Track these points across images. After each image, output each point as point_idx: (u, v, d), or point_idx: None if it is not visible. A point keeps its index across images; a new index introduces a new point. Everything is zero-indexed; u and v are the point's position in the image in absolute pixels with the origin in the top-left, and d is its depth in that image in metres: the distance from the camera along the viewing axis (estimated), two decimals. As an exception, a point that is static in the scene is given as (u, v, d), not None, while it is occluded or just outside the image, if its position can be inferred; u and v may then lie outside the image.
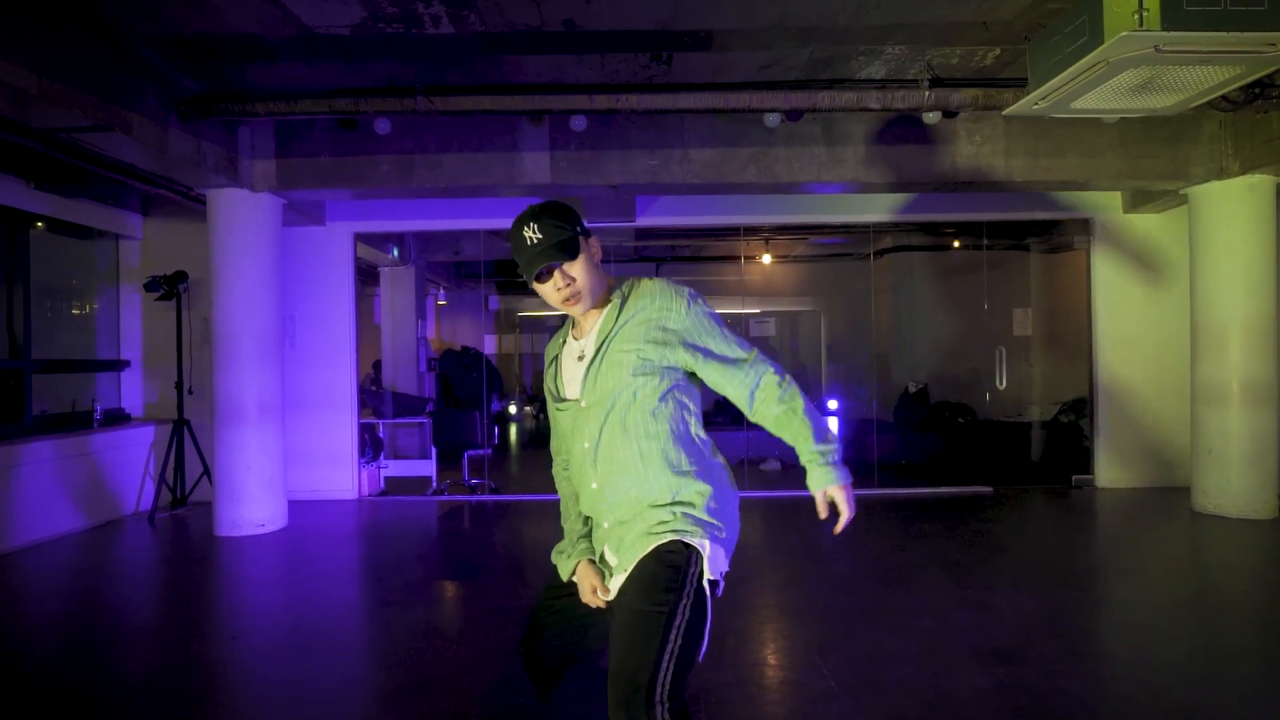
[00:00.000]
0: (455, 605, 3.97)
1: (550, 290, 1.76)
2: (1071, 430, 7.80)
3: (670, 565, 1.63)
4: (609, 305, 1.78)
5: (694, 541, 1.66)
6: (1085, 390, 6.98)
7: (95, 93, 3.89)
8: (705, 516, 1.69)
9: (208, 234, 5.49)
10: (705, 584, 1.64)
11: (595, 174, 5.37)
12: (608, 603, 1.77)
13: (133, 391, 6.83)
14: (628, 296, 1.76)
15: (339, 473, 6.70)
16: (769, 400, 1.74)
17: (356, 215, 6.74)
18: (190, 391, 6.31)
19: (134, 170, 5.16)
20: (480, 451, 7.37)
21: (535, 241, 1.70)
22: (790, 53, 4.46)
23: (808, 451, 1.72)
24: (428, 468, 7.24)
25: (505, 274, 11.33)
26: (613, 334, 1.74)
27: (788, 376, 1.76)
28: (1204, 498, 5.65)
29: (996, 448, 8.08)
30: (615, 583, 1.74)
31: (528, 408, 14.06)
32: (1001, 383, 7.31)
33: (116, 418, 6.44)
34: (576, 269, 1.74)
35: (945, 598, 3.80)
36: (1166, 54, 3.49)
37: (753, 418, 1.80)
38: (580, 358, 1.80)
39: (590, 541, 1.86)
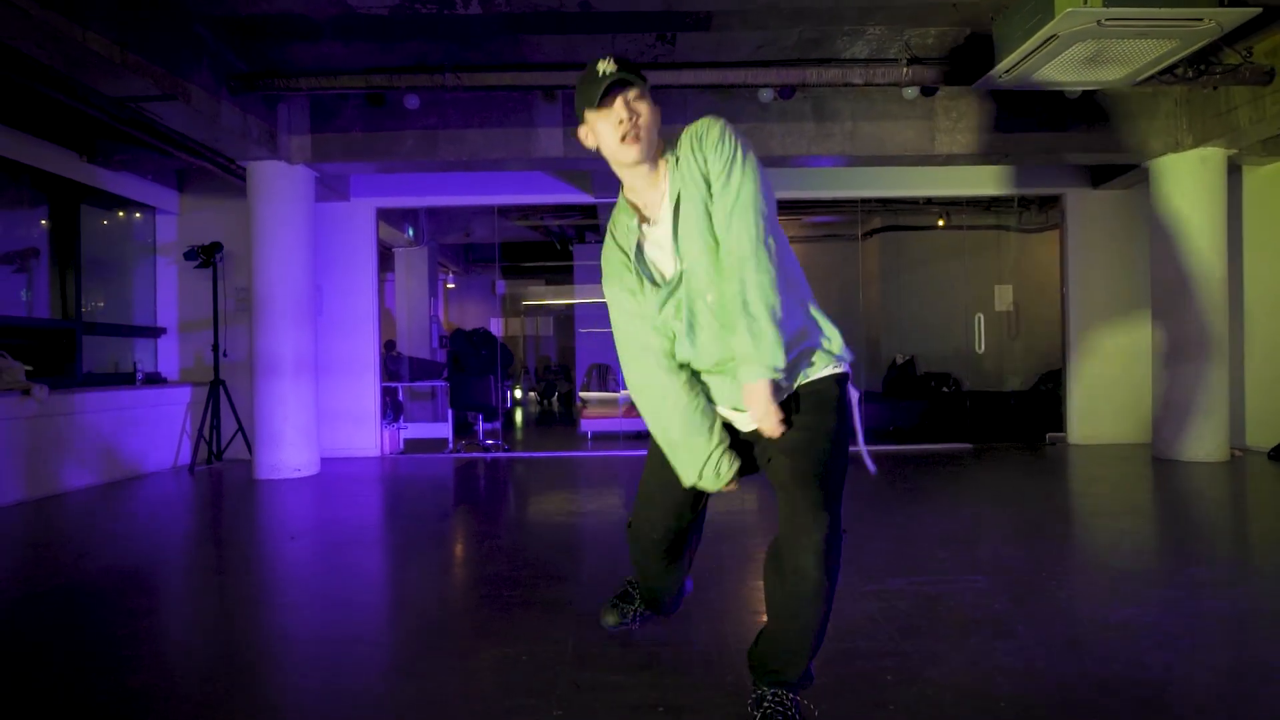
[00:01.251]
0: (479, 519, 4.45)
1: (610, 125, 1.66)
2: (1050, 398, 8.30)
3: (838, 394, 1.76)
4: (667, 167, 1.71)
5: (842, 372, 1.78)
6: (1060, 355, 7.48)
7: (164, 64, 4.37)
8: (842, 353, 1.79)
9: (248, 202, 5.98)
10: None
11: (604, 147, 5.85)
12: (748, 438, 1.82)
13: (169, 356, 7.31)
14: (679, 148, 1.70)
15: (363, 432, 7.17)
16: (732, 272, 1.64)
17: (378, 191, 7.21)
18: (225, 355, 6.79)
19: (182, 142, 5.64)
20: (492, 424, 7.86)
21: (609, 71, 1.64)
22: (782, 33, 4.96)
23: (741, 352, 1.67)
24: (444, 430, 7.72)
25: (513, 258, 11.82)
26: (681, 189, 1.68)
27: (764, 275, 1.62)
28: (1163, 445, 6.15)
29: (979, 413, 8.58)
30: (745, 419, 1.78)
31: (532, 392, 14.51)
32: (980, 347, 7.80)
33: (155, 380, 6.91)
34: (644, 105, 1.66)
35: (916, 510, 4.30)
36: (1108, 27, 3.99)
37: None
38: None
39: (718, 436, 1.79)
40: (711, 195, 1.66)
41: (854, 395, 1.82)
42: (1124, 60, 4.43)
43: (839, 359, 1.79)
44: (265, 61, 5.20)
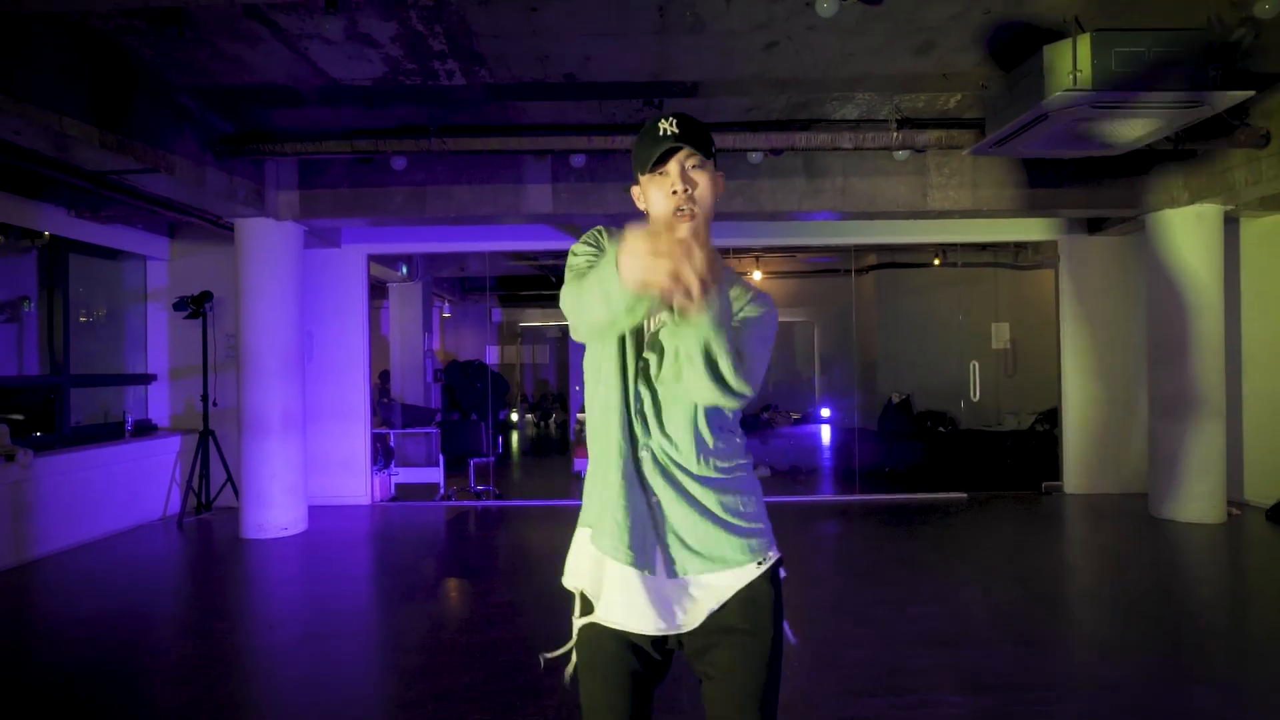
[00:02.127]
0: (465, 600, 4.40)
1: (664, 193, 1.47)
2: (1046, 439, 8.23)
3: (774, 595, 1.49)
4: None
5: (774, 563, 1.51)
6: (1056, 400, 7.41)
7: (144, 139, 4.34)
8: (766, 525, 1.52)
9: (235, 259, 5.94)
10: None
11: (594, 204, 5.81)
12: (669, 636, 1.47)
13: (159, 404, 7.27)
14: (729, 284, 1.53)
15: (353, 480, 7.13)
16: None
17: (370, 239, 7.18)
18: (215, 404, 6.76)
19: (168, 202, 5.60)
20: (485, 460, 7.81)
21: (670, 131, 1.46)
22: (769, 98, 4.91)
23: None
24: (435, 475, 7.67)
25: (508, 288, 11.79)
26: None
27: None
28: (1159, 503, 6.07)
29: (975, 456, 8.51)
30: (696, 589, 1.47)
31: (529, 415, 14.51)
32: (975, 395, 7.74)
33: (145, 428, 6.87)
34: (703, 178, 1.48)
35: (903, 592, 4.24)
36: (1098, 110, 3.94)
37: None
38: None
39: None
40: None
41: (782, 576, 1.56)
42: (1118, 135, 4.37)
43: (771, 542, 1.53)
44: (251, 122, 5.17)
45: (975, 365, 7.62)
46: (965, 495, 7.06)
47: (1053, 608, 4.11)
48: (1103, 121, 4.10)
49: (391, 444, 7.67)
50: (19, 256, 6.09)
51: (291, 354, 5.99)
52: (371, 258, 7.37)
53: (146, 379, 7.16)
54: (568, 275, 1.48)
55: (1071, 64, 3.86)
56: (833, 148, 5.11)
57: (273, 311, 5.88)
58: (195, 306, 6.54)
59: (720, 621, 1.47)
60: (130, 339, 7.19)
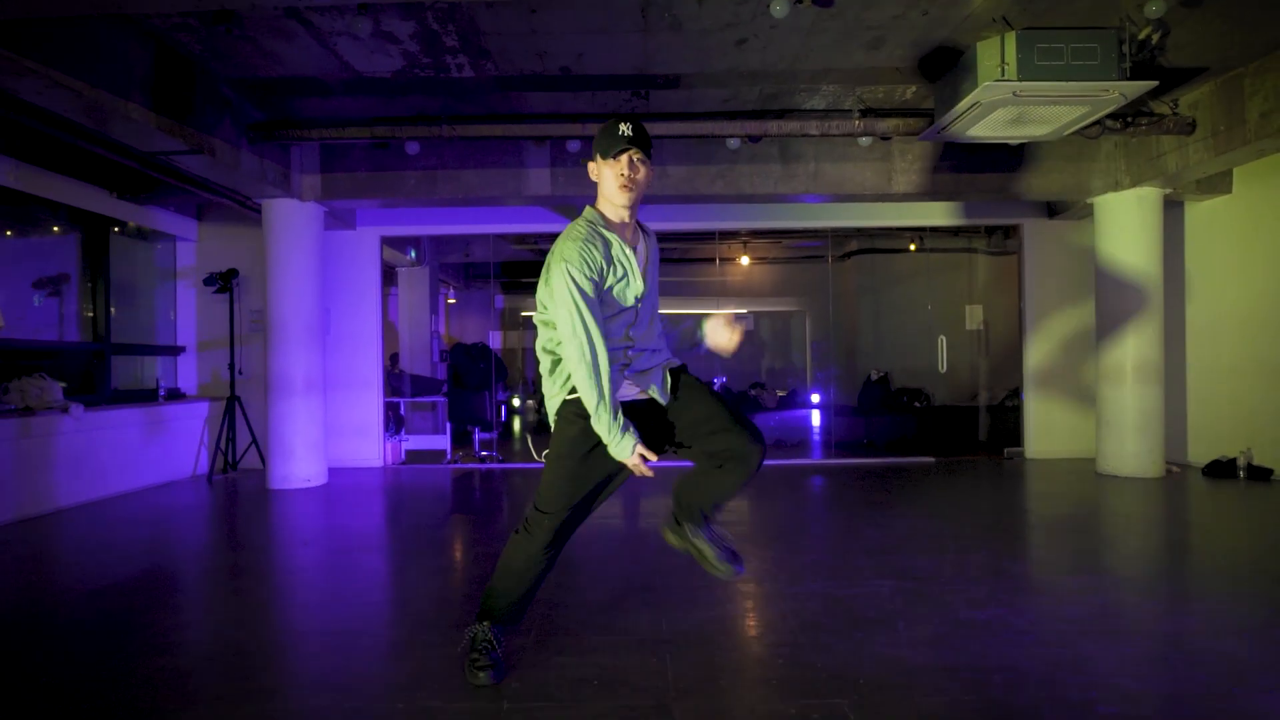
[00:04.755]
0: (472, 527, 4.99)
1: (616, 172, 2.23)
2: (1015, 413, 8.80)
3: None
4: (643, 233, 2.43)
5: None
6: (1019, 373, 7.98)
7: (191, 123, 4.93)
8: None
9: (262, 236, 6.54)
10: None
11: (589, 188, 6.37)
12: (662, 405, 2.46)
13: (187, 373, 7.87)
14: (647, 234, 2.45)
15: (366, 444, 7.72)
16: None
17: (383, 221, 7.77)
18: (240, 373, 7.35)
19: (204, 182, 6.20)
20: (488, 435, 8.39)
21: (627, 134, 2.21)
22: (744, 90, 5.50)
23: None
24: (442, 442, 8.26)
25: (511, 274, 12.38)
26: (650, 255, 2.43)
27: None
28: (1104, 461, 6.65)
29: (948, 427, 9.09)
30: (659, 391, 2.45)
31: (530, 400, 15.04)
32: (943, 368, 8.31)
33: (175, 395, 7.47)
34: (643, 169, 2.26)
35: (857, 523, 4.82)
36: (1024, 98, 4.52)
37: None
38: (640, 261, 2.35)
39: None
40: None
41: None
42: (1046, 121, 4.96)
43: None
44: (281, 111, 5.76)
45: (943, 339, 8.20)
46: (933, 459, 7.64)
47: (986, 531, 4.68)
48: (1033, 108, 4.68)
49: (402, 412, 8.27)
50: (64, 239, 6.69)
51: (314, 323, 6.59)
52: (384, 239, 7.96)
53: (176, 350, 7.76)
54: (580, 305, 2.22)
55: (1000, 58, 4.45)
56: (802, 134, 5.70)
57: (297, 283, 6.48)
58: (223, 282, 7.13)
59: None
60: (161, 314, 7.79)
